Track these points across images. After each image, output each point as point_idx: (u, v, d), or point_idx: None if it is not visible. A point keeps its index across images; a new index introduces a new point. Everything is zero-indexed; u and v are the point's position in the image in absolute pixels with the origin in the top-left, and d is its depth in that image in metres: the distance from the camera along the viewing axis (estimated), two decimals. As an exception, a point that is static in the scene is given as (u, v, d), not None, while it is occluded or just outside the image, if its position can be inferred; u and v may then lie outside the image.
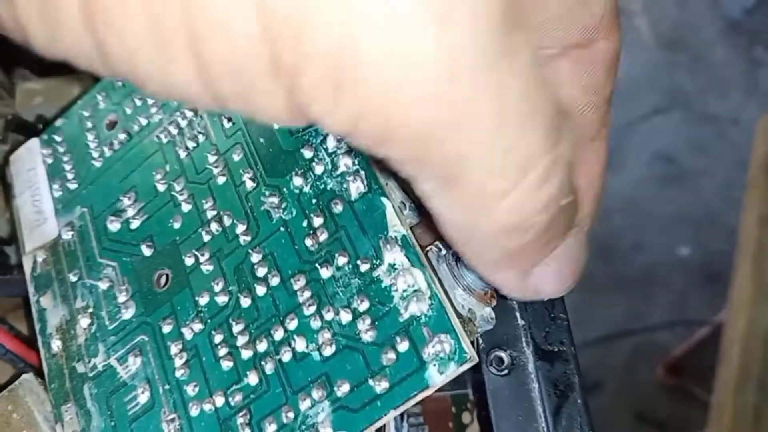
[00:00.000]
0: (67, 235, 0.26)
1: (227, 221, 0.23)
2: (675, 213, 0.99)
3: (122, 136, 0.26)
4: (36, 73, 0.37)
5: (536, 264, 0.16)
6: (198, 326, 0.22)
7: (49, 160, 0.28)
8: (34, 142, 0.29)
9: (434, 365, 0.18)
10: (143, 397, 0.22)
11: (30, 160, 0.29)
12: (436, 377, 0.18)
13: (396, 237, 0.20)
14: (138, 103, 0.27)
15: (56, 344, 0.25)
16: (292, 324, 0.20)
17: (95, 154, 0.27)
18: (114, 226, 0.25)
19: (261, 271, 0.22)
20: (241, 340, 0.21)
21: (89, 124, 0.28)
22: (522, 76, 0.13)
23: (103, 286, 0.25)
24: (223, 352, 0.21)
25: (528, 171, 0.14)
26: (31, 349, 0.27)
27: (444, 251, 0.20)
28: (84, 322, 0.24)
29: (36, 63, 0.37)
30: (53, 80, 0.36)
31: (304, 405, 0.20)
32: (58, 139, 0.28)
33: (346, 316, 0.20)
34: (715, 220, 0.98)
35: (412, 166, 0.14)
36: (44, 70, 0.37)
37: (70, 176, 0.27)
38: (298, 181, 0.22)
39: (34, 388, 0.25)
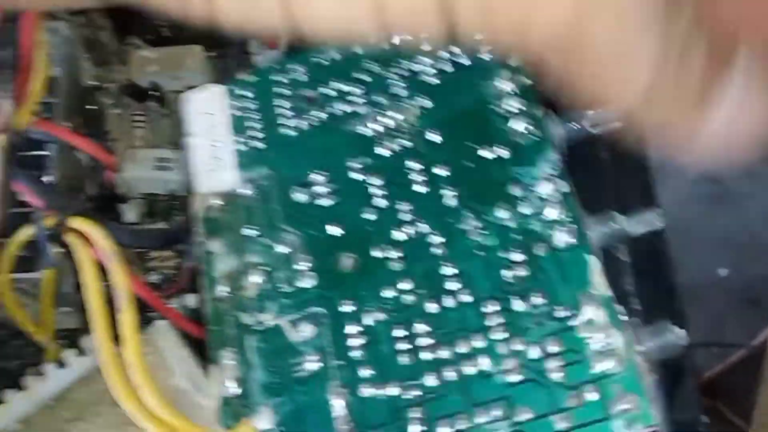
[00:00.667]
0: (248, 190, 0.28)
1: (423, 228, 0.25)
2: (717, 234, 1.01)
3: (322, 116, 0.28)
4: (147, 43, 0.39)
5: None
6: (380, 316, 0.24)
7: (235, 112, 0.30)
8: (216, 88, 0.30)
9: (621, 421, 0.20)
10: (312, 365, 0.24)
11: (211, 105, 0.30)
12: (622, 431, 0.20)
13: (599, 296, 0.22)
14: (345, 89, 0.28)
15: (222, 290, 0.27)
16: (479, 343, 0.23)
17: (290, 123, 0.29)
18: (301, 197, 0.27)
19: (452, 285, 0.24)
20: (423, 342, 0.23)
21: (286, 92, 0.29)
22: None
23: (281, 249, 0.26)
24: (402, 347, 0.24)
25: None
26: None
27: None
28: (256, 277, 0.26)
29: (149, 32, 0.38)
30: (167, 49, 0.37)
31: (481, 419, 0.22)
32: (248, 94, 0.30)
33: (535, 352, 0.22)
34: (758, 244, 1.00)
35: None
36: (156, 40, 0.38)
37: (257, 135, 0.29)
38: (502, 213, 0.24)
39: (167, 334, 0.26)
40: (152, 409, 0.24)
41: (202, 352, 0.27)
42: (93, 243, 0.26)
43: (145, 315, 0.28)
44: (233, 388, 0.25)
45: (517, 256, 0.23)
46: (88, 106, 0.35)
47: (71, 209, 0.28)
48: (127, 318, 0.25)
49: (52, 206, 0.28)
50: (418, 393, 0.23)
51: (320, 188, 0.27)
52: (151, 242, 0.31)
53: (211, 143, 0.29)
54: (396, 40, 0.17)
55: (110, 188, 0.34)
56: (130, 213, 0.34)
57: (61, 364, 0.27)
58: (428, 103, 0.27)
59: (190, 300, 0.31)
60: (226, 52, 0.38)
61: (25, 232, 0.28)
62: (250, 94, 0.30)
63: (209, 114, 0.30)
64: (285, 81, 0.29)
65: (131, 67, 0.37)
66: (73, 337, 0.33)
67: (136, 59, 0.37)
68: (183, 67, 0.37)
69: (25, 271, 0.30)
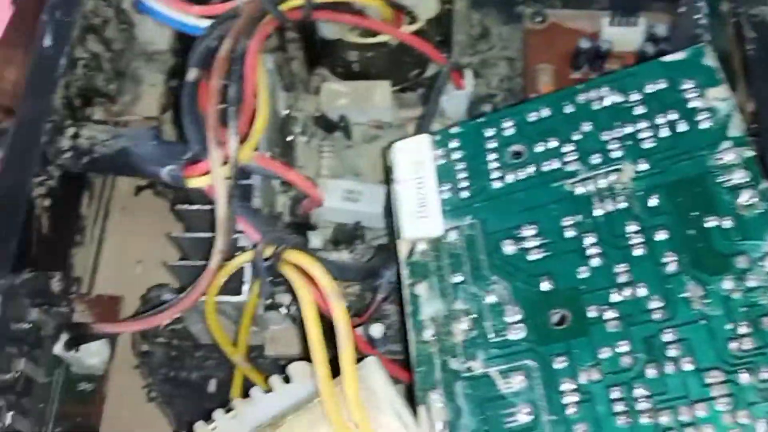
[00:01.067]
0: (453, 238, 0.29)
1: (640, 292, 0.25)
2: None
3: (530, 170, 0.29)
4: (336, 74, 0.40)
5: None
6: (595, 375, 0.25)
7: (441, 161, 0.31)
8: (425, 138, 0.31)
9: None
10: (524, 417, 0.25)
11: (418, 153, 0.31)
12: None
13: (836, 378, 0.22)
14: (551, 145, 0.29)
15: (428, 333, 0.28)
16: (701, 413, 0.23)
17: (495, 175, 0.29)
18: (509, 249, 0.28)
19: (673, 352, 0.24)
20: (642, 406, 0.24)
21: (491, 145, 0.30)
22: None
23: (489, 299, 0.27)
24: (619, 408, 0.24)
25: None
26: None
27: None
28: (463, 324, 0.27)
29: (338, 65, 0.40)
30: (358, 84, 0.39)
31: (706, 489, 0.22)
32: (453, 145, 0.31)
33: (762, 427, 0.22)
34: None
35: None
36: (344, 74, 0.40)
37: (462, 184, 0.30)
38: (727, 284, 0.24)
39: (378, 371, 0.27)
40: (368, 445, 0.25)
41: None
42: (314, 278, 0.28)
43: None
44: (441, 431, 0.26)
45: (743, 329, 0.24)
46: (284, 137, 0.37)
47: (288, 242, 0.29)
48: (348, 355, 0.26)
49: (269, 239, 0.29)
50: (637, 456, 0.23)
51: (530, 242, 0.28)
52: (355, 276, 0.32)
53: (418, 190, 0.30)
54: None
55: (302, 217, 0.36)
56: (316, 240, 0.36)
57: (268, 389, 0.29)
58: (644, 166, 0.27)
59: (375, 330, 0.33)
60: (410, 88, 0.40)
61: (241, 260, 0.30)
62: (454, 144, 0.31)
63: (417, 162, 0.31)
64: (492, 134, 0.30)
65: (322, 98, 0.39)
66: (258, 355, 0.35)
67: (327, 91, 0.39)
68: (371, 101, 0.38)
69: (227, 294, 0.32)
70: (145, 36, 0.38)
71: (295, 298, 0.33)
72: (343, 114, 0.38)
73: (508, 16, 0.43)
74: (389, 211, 0.36)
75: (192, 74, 0.31)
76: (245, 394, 0.34)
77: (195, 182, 0.30)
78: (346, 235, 0.36)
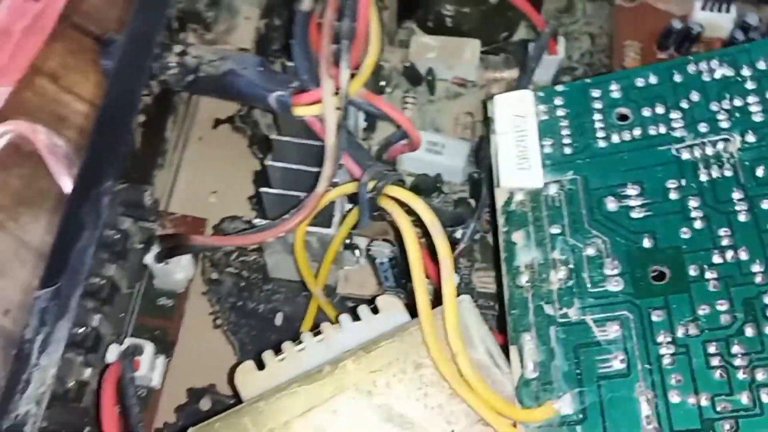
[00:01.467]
0: (553, 191, 0.30)
1: (743, 255, 0.26)
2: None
3: (636, 133, 0.30)
4: (423, 29, 0.41)
5: None
6: (693, 330, 0.25)
7: (543, 117, 0.31)
8: (527, 93, 0.32)
9: None
10: (618, 364, 0.26)
11: (519, 108, 0.32)
12: None
13: None
14: (659, 111, 0.30)
15: (523, 278, 0.28)
16: (800, 372, 0.24)
17: (600, 134, 0.30)
18: (611, 206, 0.28)
19: (772, 314, 0.25)
20: (739, 362, 0.24)
21: (597, 105, 0.31)
22: None
23: (588, 251, 0.28)
24: (715, 362, 0.25)
25: None
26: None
27: None
28: (560, 273, 0.28)
29: (429, 19, 0.40)
30: (448, 39, 0.39)
31: (800, 443, 0.23)
32: (557, 102, 0.31)
33: None
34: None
35: None
36: (432, 29, 0.40)
37: (565, 141, 0.31)
38: (830, 255, 0.25)
39: (471, 309, 0.28)
40: (466, 376, 0.26)
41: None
42: (417, 212, 0.28)
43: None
44: (532, 371, 0.27)
45: None
46: (377, 81, 0.38)
47: (390, 177, 0.30)
48: (449, 288, 0.27)
49: (371, 173, 0.30)
50: (731, 408, 0.24)
51: (633, 201, 0.28)
52: (444, 221, 0.33)
53: (518, 143, 0.31)
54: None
55: (388, 162, 0.36)
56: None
57: (356, 317, 0.30)
58: (752, 139, 0.28)
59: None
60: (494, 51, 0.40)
61: (342, 190, 0.31)
62: (558, 102, 0.31)
63: (518, 116, 0.31)
64: (597, 95, 0.31)
65: (411, 50, 0.39)
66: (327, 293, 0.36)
67: (417, 44, 0.39)
68: (460, 58, 0.39)
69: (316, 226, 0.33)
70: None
71: (371, 241, 0.34)
72: (431, 67, 0.39)
73: (594, -7, 0.44)
74: (475, 165, 0.37)
75: (306, 3, 0.32)
76: (315, 329, 0.35)
77: (302, 110, 0.31)
78: (427, 186, 0.37)
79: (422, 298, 0.27)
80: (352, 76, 0.31)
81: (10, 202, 0.41)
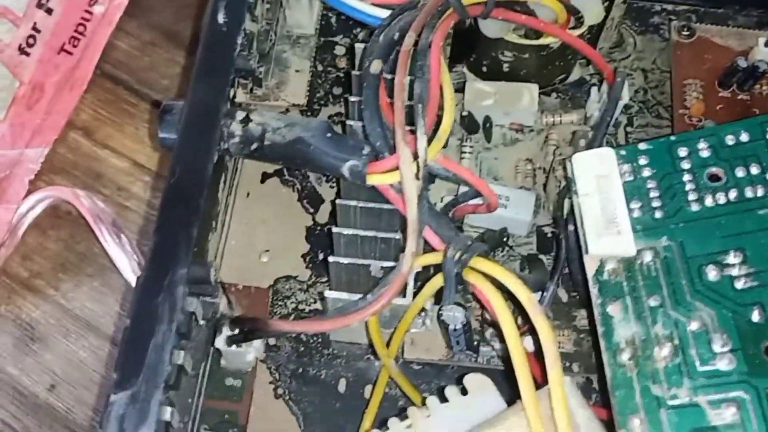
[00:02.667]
0: (648, 259, 0.28)
1: None
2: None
3: (732, 195, 0.28)
4: (474, 73, 0.39)
5: None
6: (818, 414, 0.24)
7: (628, 178, 0.30)
8: (608, 152, 0.31)
9: None
10: (739, 452, 0.24)
11: (601, 167, 0.30)
12: None
13: None
14: (754, 171, 0.28)
15: (625, 356, 0.27)
16: None
17: (692, 197, 0.29)
18: (713, 275, 0.27)
19: None
20: None
21: (686, 165, 0.29)
22: None
23: (693, 326, 0.27)
24: None
25: None
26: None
27: None
28: (665, 350, 0.27)
29: (483, 65, 0.38)
30: (504, 84, 0.38)
31: None
32: (642, 161, 0.30)
33: None
34: None
35: None
36: (486, 73, 0.39)
37: (655, 203, 0.29)
38: None
39: (573, 391, 0.27)
40: (580, 470, 0.24)
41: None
42: (509, 288, 0.27)
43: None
44: (645, 458, 0.25)
45: None
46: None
47: (475, 250, 0.28)
48: (557, 374, 0.25)
49: (457, 246, 0.28)
50: None
51: (736, 270, 0.27)
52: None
53: (604, 206, 0.29)
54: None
55: (454, 221, 0.35)
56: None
57: (443, 398, 0.28)
58: None
59: (527, 343, 0.32)
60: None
61: (423, 262, 0.29)
62: (642, 161, 0.30)
63: (601, 176, 0.30)
64: (685, 155, 0.30)
65: (466, 97, 0.38)
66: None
67: (473, 90, 0.38)
68: (518, 104, 0.37)
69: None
70: (294, 18, 0.37)
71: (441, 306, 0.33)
72: (487, 114, 0.37)
73: (644, 27, 0.42)
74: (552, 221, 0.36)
75: (376, 66, 0.30)
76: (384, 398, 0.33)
77: (377, 179, 0.29)
78: (493, 242, 0.35)
79: (527, 386, 0.25)
80: (429, 141, 0.29)
81: (49, 268, 0.39)
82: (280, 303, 0.36)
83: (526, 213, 0.35)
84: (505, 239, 0.36)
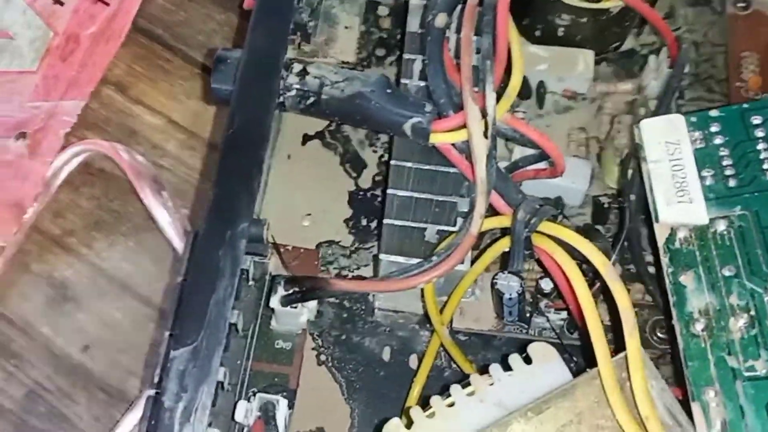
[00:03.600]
0: (722, 228, 0.27)
1: None
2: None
3: (807, 165, 0.28)
4: (527, 37, 0.38)
5: None
6: None
7: (699, 145, 0.29)
8: (678, 118, 0.30)
9: None
10: (827, 425, 0.24)
11: (671, 133, 0.29)
12: None
13: None
14: (835, 141, 0.28)
15: (698, 326, 0.26)
16: None
17: (766, 165, 0.28)
18: (791, 246, 0.26)
19: None
20: None
21: (760, 133, 0.29)
22: None
23: (769, 297, 0.26)
24: None
25: None
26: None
27: None
28: (740, 321, 0.26)
29: (538, 28, 0.37)
30: (560, 50, 0.37)
31: None
32: (713, 129, 0.29)
33: None
34: None
35: None
36: (539, 38, 0.37)
37: (728, 172, 0.28)
38: None
39: (646, 363, 0.26)
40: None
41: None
42: (584, 253, 0.26)
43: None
44: (720, 431, 0.24)
45: None
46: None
47: (544, 213, 0.27)
48: (635, 342, 0.24)
49: (527, 208, 0.27)
50: None
51: (816, 241, 0.26)
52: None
53: (675, 173, 0.29)
54: None
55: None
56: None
57: (507, 366, 0.27)
58: None
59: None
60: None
61: (492, 224, 0.28)
62: (714, 129, 0.29)
63: (671, 143, 0.29)
64: (759, 122, 0.29)
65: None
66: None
67: (527, 54, 0.36)
68: (573, 70, 0.36)
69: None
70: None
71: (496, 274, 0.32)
72: (542, 80, 0.36)
73: (695, -2, 0.41)
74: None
75: (441, 19, 0.29)
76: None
77: (442, 137, 0.28)
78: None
79: (603, 353, 0.25)
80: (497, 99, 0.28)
81: (82, 226, 0.37)
82: (322, 268, 0.35)
83: (583, 182, 0.34)
84: (560, 209, 0.35)
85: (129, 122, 0.39)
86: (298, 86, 0.29)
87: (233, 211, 0.26)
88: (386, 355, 0.34)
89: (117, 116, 0.39)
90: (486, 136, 0.27)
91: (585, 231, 0.34)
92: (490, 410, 0.26)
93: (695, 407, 0.25)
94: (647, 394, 0.24)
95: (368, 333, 0.35)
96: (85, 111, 0.39)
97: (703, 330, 0.26)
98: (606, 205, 0.35)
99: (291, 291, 0.28)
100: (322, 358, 0.34)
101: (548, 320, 0.33)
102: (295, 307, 0.28)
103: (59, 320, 0.36)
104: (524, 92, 0.37)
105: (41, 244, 0.37)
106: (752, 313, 0.26)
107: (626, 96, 0.37)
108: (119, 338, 0.36)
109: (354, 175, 0.37)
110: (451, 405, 0.27)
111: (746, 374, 0.25)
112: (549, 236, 0.27)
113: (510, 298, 0.32)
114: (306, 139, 0.38)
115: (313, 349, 0.34)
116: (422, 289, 0.31)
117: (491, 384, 0.27)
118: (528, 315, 0.33)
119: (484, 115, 0.27)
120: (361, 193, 0.37)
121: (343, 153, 0.38)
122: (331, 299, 0.35)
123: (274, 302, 0.28)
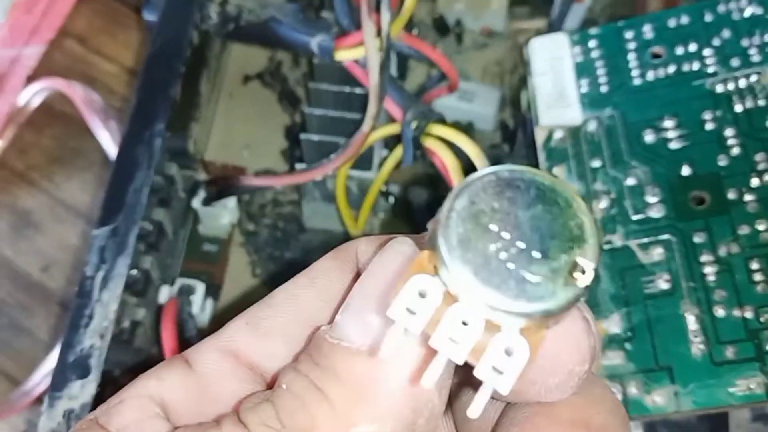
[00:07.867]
0: (592, 127, 0.31)
1: (780, 179, 0.27)
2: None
3: (670, 69, 0.31)
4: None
5: None
6: (734, 249, 0.27)
7: (578, 59, 0.32)
8: (561, 36, 0.33)
9: None
10: (663, 284, 0.27)
11: (555, 50, 0.33)
12: None
13: None
14: (691, 49, 0.31)
15: (566, 209, 0.29)
16: (840, 283, 0.25)
17: (635, 72, 0.31)
18: (649, 138, 0.30)
19: (811, 231, 0.26)
20: (780, 276, 0.26)
21: (631, 46, 0.32)
22: None
23: (629, 181, 0.29)
24: (759, 277, 0.26)
25: None
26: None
27: None
28: (602, 203, 0.29)
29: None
30: None
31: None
32: (591, 44, 0.32)
33: None
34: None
35: None
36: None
37: (601, 80, 0.31)
38: None
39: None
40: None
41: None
42: (461, 146, 0.29)
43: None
44: (580, 295, 0.28)
45: None
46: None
47: (432, 116, 0.31)
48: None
49: (414, 112, 0.31)
50: (775, 319, 0.25)
51: (670, 132, 0.29)
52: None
53: (556, 83, 0.32)
54: None
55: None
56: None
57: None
58: (783, 70, 0.29)
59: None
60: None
61: (386, 131, 0.32)
62: (594, 45, 0.32)
63: (555, 58, 0.32)
64: (631, 36, 0.32)
65: (439, 1, 0.40)
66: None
67: (445, -6, 0.40)
68: (488, 8, 0.40)
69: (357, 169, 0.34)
70: None
71: (406, 187, 0.35)
72: (459, 18, 0.40)
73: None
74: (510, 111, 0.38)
75: (344, -51, 0.32)
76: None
77: (344, 54, 0.31)
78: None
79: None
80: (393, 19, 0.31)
81: (43, 162, 0.41)
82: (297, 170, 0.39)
83: (492, 107, 0.38)
84: (471, 132, 0.38)
85: (88, 70, 0.43)
86: (219, 14, 0.33)
87: (151, 114, 0.29)
88: (315, 268, 0.37)
89: (78, 65, 0.43)
90: (380, 50, 0.31)
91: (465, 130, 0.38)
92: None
93: (559, 277, 0.28)
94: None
95: (299, 250, 0.38)
96: (50, 62, 0.43)
97: (570, 213, 0.29)
98: (513, 128, 0.38)
99: (208, 192, 0.31)
100: (257, 271, 0.38)
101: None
102: (214, 206, 0.32)
103: (21, 244, 0.39)
104: (442, 30, 0.40)
105: (7, 178, 0.41)
106: (612, 196, 0.29)
107: (539, 33, 0.41)
108: (76, 259, 0.39)
109: (290, 111, 0.41)
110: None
111: (605, 247, 0.28)
112: (436, 137, 0.30)
113: (419, 207, 0.35)
114: (247, 79, 0.42)
115: (249, 263, 0.38)
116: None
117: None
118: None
119: (379, 32, 0.31)
120: (296, 127, 0.41)
121: (280, 91, 0.41)
122: (266, 220, 0.38)
123: (196, 203, 0.32)
